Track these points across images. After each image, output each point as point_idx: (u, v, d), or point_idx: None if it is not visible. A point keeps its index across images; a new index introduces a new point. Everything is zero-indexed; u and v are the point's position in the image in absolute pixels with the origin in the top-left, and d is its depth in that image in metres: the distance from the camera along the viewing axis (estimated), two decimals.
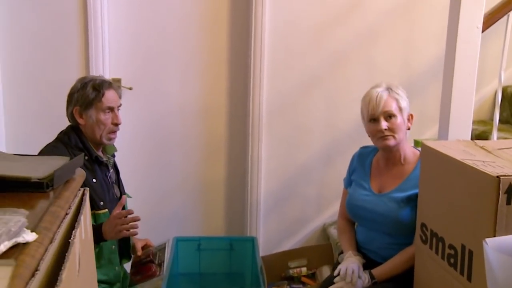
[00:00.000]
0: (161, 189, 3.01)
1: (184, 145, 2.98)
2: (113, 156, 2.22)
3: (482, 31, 2.01)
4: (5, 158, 1.06)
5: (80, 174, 1.09)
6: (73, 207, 0.96)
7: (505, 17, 2.14)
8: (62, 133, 2.09)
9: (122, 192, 2.22)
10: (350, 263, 1.94)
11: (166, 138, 2.97)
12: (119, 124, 2.07)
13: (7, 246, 0.66)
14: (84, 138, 2.05)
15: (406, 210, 1.89)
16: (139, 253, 2.25)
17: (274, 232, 3.00)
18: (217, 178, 3.03)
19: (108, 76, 2.78)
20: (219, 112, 2.96)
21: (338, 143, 2.90)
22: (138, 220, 1.89)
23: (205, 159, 3.02)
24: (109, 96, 2.04)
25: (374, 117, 1.95)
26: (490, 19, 2.10)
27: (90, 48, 2.74)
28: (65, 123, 2.79)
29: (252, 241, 2.80)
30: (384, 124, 1.92)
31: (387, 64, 2.86)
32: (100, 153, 2.11)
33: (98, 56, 2.75)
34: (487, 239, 1.20)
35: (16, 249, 0.70)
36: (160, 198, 3.01)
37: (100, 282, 2.01)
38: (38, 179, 0.93)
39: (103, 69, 2.77)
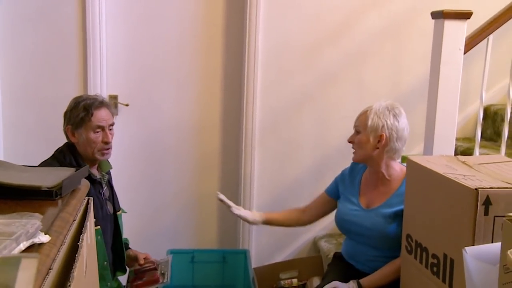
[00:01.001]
0: (156, 203, 3.08)
1: (178, 160, 3.05)
2: (108, 173, 2.25)
3: (464, 53, 2.11)
4: (15, 169, 1.13)
5: (85, 184, 1.16)
6: (79, 214, 1.04)
7: (485, 40, 2.25)
8: (58, 151, 2.13)
9: (116, 208, 2.24)
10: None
11: (160, 153, 3.04)
12: (109, 142, 2.10)
13: (26, 245, 0.74)
14: (78, 156, 2.09)
15: (393, 225, 1.96)
16: (141, 261, 2.28)
17: (266, 245, 3.06)
18: (210, 192, 3.09)
19: (105, 93, 2.86)
20: (213, 128, 3.04)
21: (329, 159, 2.99)
22: None
23: (199, 174, 3.09)
24: (99, 115, 2.07)
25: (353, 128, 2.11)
26: (472, 42, 2.20)
27: (88, 66, 2.81)
28: (61, 138, 2.85)
29: (245, 253, 2.86)
30: (350, 137, 2.10)
31: (376, 84, 2.96)
32: (94, 171, 2.15)
33: (96, 74, 2.82)
34: (466, 248, 1.27)
35: (33, 249, 0.77)
36: (155, 212, 3.08)
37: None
38: (48, 188, 1.00)
39: (101, 86, 2.84)
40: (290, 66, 2.91)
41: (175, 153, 3.04)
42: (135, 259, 2.30)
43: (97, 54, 2.81)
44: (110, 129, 2.13)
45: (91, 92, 2.82)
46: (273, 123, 2.96)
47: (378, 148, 1.99)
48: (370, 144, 2.00)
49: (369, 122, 1.99)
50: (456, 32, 2.09)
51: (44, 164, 2.07)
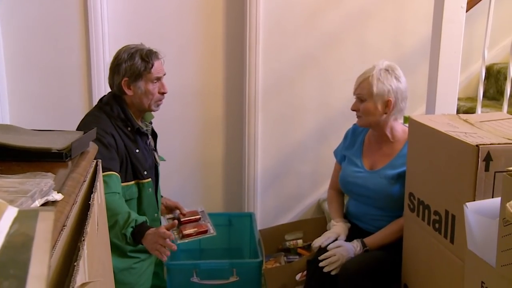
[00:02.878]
0: (161, 169, 3.11)
1: (182, 126, 3.07)
2: (151, 123, 2.26)
3: (467, 11, 2.10)
4: (27, 133, 1.16)
5: (93, 147, 1.19)
6: (89, 175, 1.07)
7: None
8: (104, 102, 2.10)
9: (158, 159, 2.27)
10: (328, 233, 2.09)
11: (165, 120, 3.05)
12: (166, 93, 2.11)
13: (41, 202, 0.77)
14: (126, 108, 2.07)
15: (397, 186, 1.99)
16: (184, 211, 2.33)
17: (271, 208, 3.12)
18: (215, 157, 3.13)
19: (108, 59, 2.87)
20: (216, 93, 3.05)
21: (332, 121, 3.01)
22: (174, 250, 1.89)
23: (203, 139, 3.11)
24: (157, 66, 2.07)
25: (354, 95, 2.09)
26: None
27: (90, 33, 2.81)
28: (65, 105, 2.90)
29: (250, 216, 2.91)
30: (353, 105, 2.08)
31: (379, 44, 2.95)
32: (140, 123, 2.15)
33: (98, 40, 2.82)
34: (467, 203, 1.30)
35: (47, 206, 0.80)
36: (160, 178, 3.11)
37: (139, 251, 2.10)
38: (58, 150, 1.03)
39: (103, 52, 2.84)
40: (292, 28, 2.90)
41: (179, 119, 3.06)
42: (174, 208, 2.35)
43: (99, 20, 2.80)
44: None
45: (94, 57, 2.83)
46: (276, 86, 2.97)
47: (386, 113, 2.01)
48: (378, 110, 2.01)
49: (375, 89, 1.99)
50: None
51: (91, 117, 2.07)
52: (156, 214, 2.17)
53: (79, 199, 0.93)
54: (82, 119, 2.10)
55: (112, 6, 2.85)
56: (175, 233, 2.23)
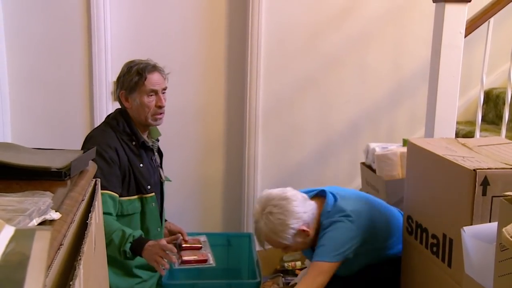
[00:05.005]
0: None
1: (183, 144, 3.08)
2: (157, 140, 2.27)
3: (465, 36, 2.13)
4: (26, 151, 1.17)
5: (92, 166, 1.20)
6: (88, 194, 1.07)
7: (486, 23, 2.26)
8: (111, 117, 2.13)
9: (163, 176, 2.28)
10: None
11: (166, 138, 3.07)
12: (162, 106, 2.10)
13: (38, 221, 0.77)
14: (131, 122, 2.09)
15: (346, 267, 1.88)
16: (187, 238, 2.29)
17: None
18: (214, 176, 3.14)
19: (110, 78, 2.89)
20: (217, 112, 3.07)
21: (332, 143, 3.02)
22: (173, 262, 1.90)
23: (203, 158, 3.12)
24: (152, 79, 2.07)
25: None
26: (472, 25, 2.22)
27: (93, 52, 2.84)
28: (67, 122, 2.92)
29: (249, 237, 2.89)
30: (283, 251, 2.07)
31: (379, 67, 2.97)
32: (146, 138, 2.15)
33: (101, 59, 2.85)
34: (464, 227, 1.30)
35: (45, 225, 0.81)
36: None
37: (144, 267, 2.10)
38: (57, 168, 1.04)
39: (106, 72, 2.87)
40: (293, 50, 2.93)
41: (180, 136, 3.07)
42: (177, 233, 2.30)
43: (102, 39, 2.83)
44: (163, 93, 2.13)
45: (96, 78, 2.86)
46: (277, 107, 2.99)
47: (309, 235, 1.87)
48: (303, 241, 1.89)
49: (283, 241, 1.85)
50: (457, 15, 2.11)
51: (98, 130, 2.10)
52: (159, 229, 2.17)
53: (77, 218, 0.94)
54: (89, 133, 2.12)
55: (115, 24, 2.89)
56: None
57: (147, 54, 2.94)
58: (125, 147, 2.05)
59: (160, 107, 2.10)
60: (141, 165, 2.08)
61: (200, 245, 2.30)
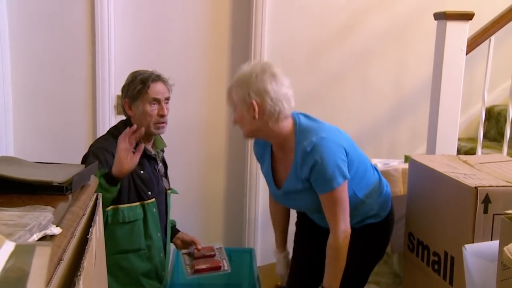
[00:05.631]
0: None
1: (184, 159, 3.09)
2: (162, 151, 2.28)
3: (466, 54, 2.14)
4: (28, 165, 1.17)
5: (94, 180, 1.20)
6: (89, 209, 1.07)
7: (487, 41, 2.27)
8: (114, 127, 2.17)
9: (168, 186, 2.29)
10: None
11: (167, 152, 3.08)
12: (164, 115, 2.11)
13: (39, 236, 0.77)
14: None
15: (312, 195, 1.81)
16: (200, 247, 2.32)
17: (271, 244, 3.07)
18: (216, 190, 3.13)
19: (113, 93, 2.91)
20: (219, 127, 3.08)
21: None
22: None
23: (205, 173, 3.12)
24: (155, 88, 2.10)
25: None
26: (474, 43, 2.23)
27: (96, 67, 2.86)
28: (70, 137, 2.92)
29: (250, 252, 2.88)
30: (232, 117, 1.93)
31: (381, 84, 2.98)
32: (149, 147, 2.17)
33: (105, 75, 2.86)
34: (466, 245, 1.29)
35: (45, 240, 0.80)
36: None
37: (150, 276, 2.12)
38: (59, 183, 1.04)
39: (109, 87, 2.88)
40: (295, 66, 2.94)
41: (182, 152, 3.07)
42: (190, 243, 2.34)
43: (106, 55, 2.85)
44: (166, 103, 2.15)
45: (100, 92, 2.87)
46: None
47: (255, 118, 1.77)
48: (246, 117, 1.80)
49: (235, 97, 1.82)
50: (458, 33, 2.13)
51: (100, 139, 2.13)
52: (159, 234, 2.17)
53: (78, 233, 0.94)
54: (92, 143, 2.15)
55: (118, 38, 2.91)
56: (188, 268, 2.25)
57: (150, 68, 2.98)
58: None
59: (162, 116, 2.11)
60: (142, 172, 2.10)
61: (213, 253, 2.32)
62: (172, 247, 2.45)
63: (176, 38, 2.98)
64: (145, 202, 2.09)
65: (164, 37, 2.97)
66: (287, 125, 1.82)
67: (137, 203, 2.08)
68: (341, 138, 1.81)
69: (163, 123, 2.13)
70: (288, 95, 1.80)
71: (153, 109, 2.10)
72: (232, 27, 2.99)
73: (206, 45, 3.00)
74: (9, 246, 0.58)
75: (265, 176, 2.02)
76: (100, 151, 2.01)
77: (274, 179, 1.95)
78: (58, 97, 2.91)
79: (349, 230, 1.76)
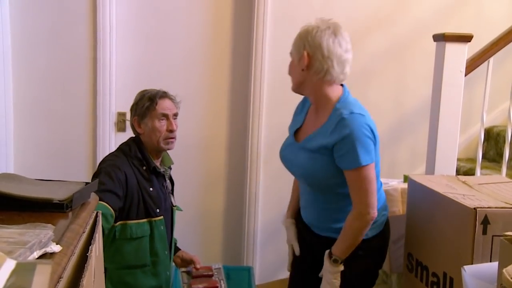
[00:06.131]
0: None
1: (184, 176, 3.08)
2: (170, 168, 2.32)
3: (465, 75, 2.16)
4: (29, 182, 1.18)
5: (94, 198, 1.20)
6: (89, 226, 1.08)
7: (486, 62, 2.30)
8: (124, 144, 2.20)
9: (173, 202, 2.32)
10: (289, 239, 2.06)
11: None
12: (174, 130, 2.16)
13: (39, 253, 0.78)
14: (143, 148, 2.15)
15: (317, 163, 1.78)
16: (198, 266, 2.33)
17: (270, 262, 3.08)
18: (215, 209, 3.13)
19: (114, 110, 2.92)
20: (219, 145, 3.09)
21: None
22: None
23: (204, 191, 3.12)
24: (163, 104, 2.15)
25: None
26: (473, 64, 2.25)
27: (98, 84, 2.87)
28: (70, 153, 2.93)
29: (248, 270, 2.87)
30: None
31: (380, 103, 3.00)
32: (158, 164, 2.20)
33: (106, 91, 2.88)
34: (465, 267, 1.29)
35: (45, 257, 0.81)
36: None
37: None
38: (59, 200, 1.05)
39: (110, 104, 2.90)
40: None
41: (181, 169, 3.07)
42: (190, 261, 2.35)
43: (107, 72, 2.87)
44: (174, 119, 2.19)
45: (100, 109, 2.89)
46: (278, 142, 2.97)
47: (303, 69, 1.78)
48: (296, 68, 1.82)
49: (293, 46, 1.84)
50: (457, 55, 2.15)
51: (111, 156, 2.16)
52: (166, 252, 2.18)
53: (77, 250, 0.94)
54: (103, 159, 2.17)
55: (120, 56, 2.93)
56: (185, 287, 2.26)
57: (150, 86, 2.98)
58: (135, 171, 2.10)
59: (171, 131, 2.16)
60: (151, 189, 2.12)
61: (211, 273, 2.32)
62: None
63: (176, 55, 3.00)
64: (153, 219, 2.10)
65: (165, 55, 2.99)
66: (332, 90, 1.80)
67: (145, 220, 2.09)
68: (377, 134, 1.77)
69: (172, 138, 2.17)
70: (343, 58, 1.77)
71: (162, 124, 2.14)
72: (233, 44, 3.02)
73: (206, 62, 3.02)
74: (10, 264, 0.58)
75: (289, 129, 2.00)
76: (112, 168, 2.03)
77: (296, 134, 1.93)
78: (59, 113, 2.92)
79: (372, 214, 1.67)
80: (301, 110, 1.99)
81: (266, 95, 2.94)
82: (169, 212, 2.24)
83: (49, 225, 0.89)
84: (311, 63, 1.75)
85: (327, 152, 1.73)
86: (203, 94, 3.04)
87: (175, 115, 2.21)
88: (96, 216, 1.16)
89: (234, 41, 3.01)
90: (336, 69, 1.76)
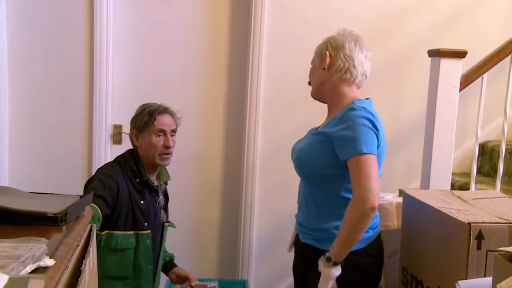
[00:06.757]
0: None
1: (179, 189, 3.08)
2: (166, 183, 2.32)
3: (460, 90, 2.17)
4: (23, 195, 1.17)
5: (89, 211, 1.20)
6: (83, 240, 1.07)
7: (480, 78, 2.32)
8: (121, 155, 2.22)
9: (166, 219, 2.32)
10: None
11: None
12: (170, 146, 2.17)
13: (32, 268, 0.78)
14: (139, 161, 2.17)
15: (315, 147, 1.80)
16: (194, 284, 2.31)
17: (265, 276, 3.07)
18: (210, 222, 3.12)
19: (110, 122, 2.93)
20: (215, 158, 3.09)
21: None
22: None
23: (200, 203, 3.12)
24: (162, 120, 2.17)
25: None
26: (467, 80, 2.27)
27: (94, 96, 2.88)
28: (66, 165, 2.93)
29: (243, 284, 2.86)
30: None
31: None
32: (153, 178, 2.21)
33: (102, 104, 2.89)
34: (459, 282, 1.29)
35: (38, 272, 0.81)
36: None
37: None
38: (54, 214, 1.04)
39: (106, 116, 2.90)
40: (291, 99, 2.97)
41: (177, 181, 3.06)
42: (185, 278, 2.33)
43: (103, 85, 2.88)
44: (172, 135, 2.21)
45: (96, 121, 2.89)
46: (274, 154, 3.01)
47: (324, 68, 1.84)
48: (318, 69, 1.88)
49: (315, 51, 1.91)
50: (452, 70, 2.16)
51: (107, 165, 2.19)
52: (150, 267, 2.17)
53: (71, 264, 0.94)
54: (98, 168, 2.19)
55: (117, 68, 2.95)
56: None
57: (147, 99, 2.98)
58: (128, 183, 2.11)
59: (167, 147, 2.17)
60: (142, 202, 2.12)
61: None
62: (165, 278, 2.43)
63: (173, 69, 3.01)
64: (140, 232, 2.11)
65: (161, 69, 3.01)
66: (350, 90, 1.85)
67: (132, 232, 2.10)
68: (383, 139, 1.78)
69: (167, 154, 2.18)
70: (363, 60, 1.85)
71: (159, 140, 2.15)
72: (229, 58, 3.03)
73: (203, 76, 3.04)
74: (3, 279, 0.58)
75: (308, 132, 2.02)
76: (105, 176, 2.05)
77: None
78: (55, 126, 2.92)
79: (372, 201, 1.60)
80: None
81: (262, 108, 2.95)
82: (159, 227, 2.23)
83: (43, 238, 0.89)
84: (332, 61, 1.83)
85: (327, 140, 1.75)
86: (200, 107, 3.05)
87: (173, 131, 2.22)
88: (91, 229, 1.15)
89: (231, 53, 3.03)
90: (358, 69, 1.84)
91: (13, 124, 2.90)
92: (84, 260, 0.98)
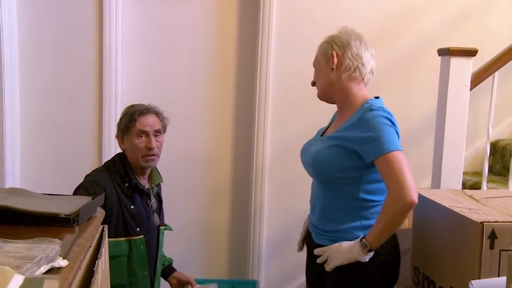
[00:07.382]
0: (166, 232, 3.10)
1: (189, 191, 3.09)
2: (158, 186, 2.27)
3: (471, 89, 2.16)
4: (36, 197, 1.18)
5: (100, 212, 1.21)
6: (95, 241, 1.08)
7: (491, 76, 2.30)
8: (110, 160, 2.20)
9: (161, 222, 2.27)
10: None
11: (172, 183, 3.08)
12: (152, 148, 2.09)
13: (46, 268, 0.78)
14: (127, 165, 2.12)
15: (330, 150, 1.78)
16: (195, 287, 2.29)
17: (275, 276, 3.07)
18: (220, 222, 3.12)
19: None
20: (224, 159, 3.09)
21: None
22: None
23: (209, 205, 3.12)
24: (143, 121, 2.10)
25: None
26: (478, 78, 2.25)
27: (104, 99, 2.89)
28: (76, 168, 2.94)
29: (254, 284, 2.86)
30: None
31: None
32: (143, 181, 2.16)
33: (111, 106, 2.90)
34: (472, 281, 1.29)
35: (52, 272, 0.81)
36: (164, 241, 3.10)
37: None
38: (66, 215, 1.05)
39: (115, 118, 2.91)
40: (300, 99, 2.97)
41: (186, 183, 3.08)
42: (186, 283, 2.31)
43: (113, 87, 2.89)
44: (156, 135, 2.13)
45: (106, 124, 2.90)
46: (283, 155, 3.00)
47: (333, 69, 1.81)
48: (324, 69, 1.84)
49: (318, 51, 1.88)
50: (462, 69, 2.15)
51: (95, 171, 2.15)
52: (146, 272, 2.13)
53: (84, 265, 0.94)
54: (88, 173, 2.15)
55: (126, 71, 2.95)
56: None
57: (155, 101, 2.99)
58: (117, 188, 2.07)
59: (150, 148, 2.10)
60: (132, 206, 2.08)
61: None
62: (165, 284, 2.42)
63: (181, 70, 3.02)
64: (132, 238, 2.06)
65: (170, 70, 3.01)
66: (360, 89, 1.83)
67: (123, 239, 2.05)
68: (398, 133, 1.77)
69: (151, 155, 2.11)
70: (369, 58, 1.81)
71: (141, 141, 2.09)
72: (238, 59, 3.03)
73: (211, 77, 3.04)
74: (18, 280, 0.58)
75: (317, 133, 2.00)
76: (91, 184, 2.02)
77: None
78: (65, 128, 2.94)
79: (411, 197, 1.57)
80: (332, 120, 2.01)
81: (271, 110, 2.95)
82: (154, 231, 2.19)
83: (56, 239, 0.89)
84: (340, 61, 1.79)
85: (344, 143, 1.73)
86: (208, 108, 3.06)
87: (157, 131, 2.14)
88: (103, 230, 1.16)
89: (239, 54, 3.03)
90: (366, 66, 1.81)
91: (24, 126, 2.92)
92: (96, 261, 0.99)
